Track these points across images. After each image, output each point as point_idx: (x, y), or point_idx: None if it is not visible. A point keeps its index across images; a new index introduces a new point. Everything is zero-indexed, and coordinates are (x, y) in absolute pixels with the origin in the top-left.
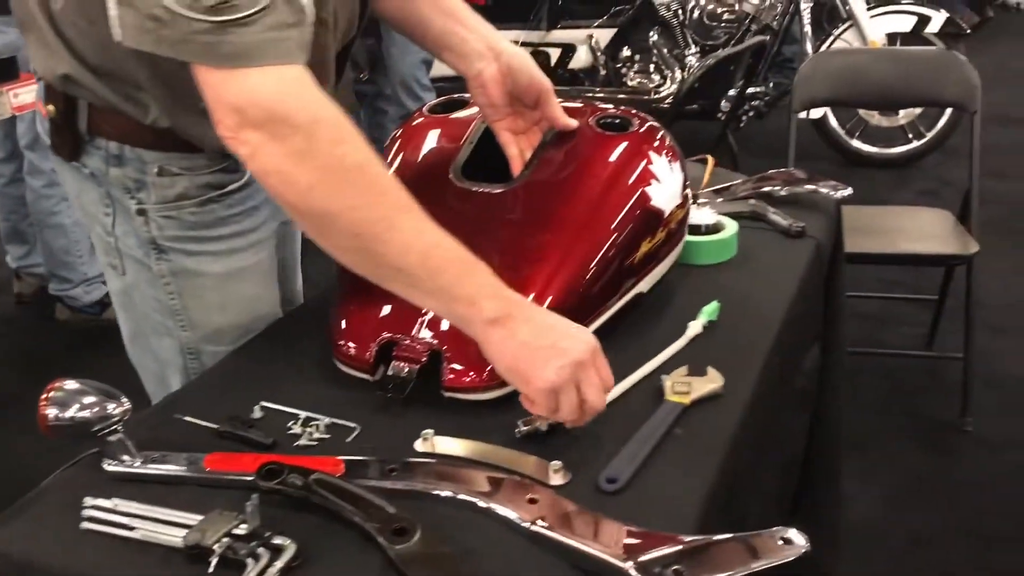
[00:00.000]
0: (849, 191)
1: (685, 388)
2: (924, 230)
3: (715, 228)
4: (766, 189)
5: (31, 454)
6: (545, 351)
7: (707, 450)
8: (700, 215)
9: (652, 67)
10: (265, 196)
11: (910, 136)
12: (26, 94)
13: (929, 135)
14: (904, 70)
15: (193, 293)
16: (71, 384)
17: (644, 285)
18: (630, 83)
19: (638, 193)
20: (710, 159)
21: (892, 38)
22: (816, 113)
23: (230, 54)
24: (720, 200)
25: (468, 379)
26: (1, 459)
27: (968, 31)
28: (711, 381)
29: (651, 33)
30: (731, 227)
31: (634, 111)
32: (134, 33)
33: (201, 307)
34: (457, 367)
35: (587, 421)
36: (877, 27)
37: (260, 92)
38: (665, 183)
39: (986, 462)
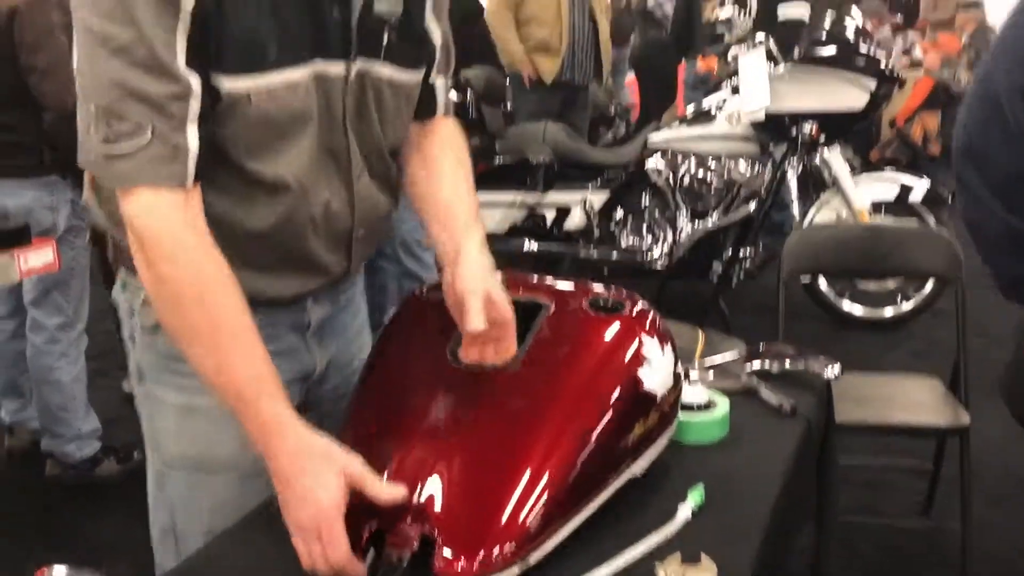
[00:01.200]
0: (838, 369)
1: None
2: (915, 399)
3: (707, 406)
4: (757, 365)
5: None
6: (297, 486)
7: None
8: (692, 393)
9: (644, 228)
10: None
11: (899, 298)
12: (35, 259)
13: (918, 297)
14: (886, 243)
15: (158, 419)
16: (60, 571)
17: (638, 467)
18: (623, 244)
19: (631, 376)
20: (701, 333)
21: (877, 206)
22: (805, 277)
23: (116, 177)
24: (711, 376)
25: (461, 566)
26: None
27: (950, 200)
28: (705, 570)
29: (643, 197)
30: (723, 405)
31: (626, 292)
32: (79, 150)
33: (162, 431)
34: (448, 554)
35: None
36: (862, 195)
37: (133, 211)
38: (657, 366)
39: None
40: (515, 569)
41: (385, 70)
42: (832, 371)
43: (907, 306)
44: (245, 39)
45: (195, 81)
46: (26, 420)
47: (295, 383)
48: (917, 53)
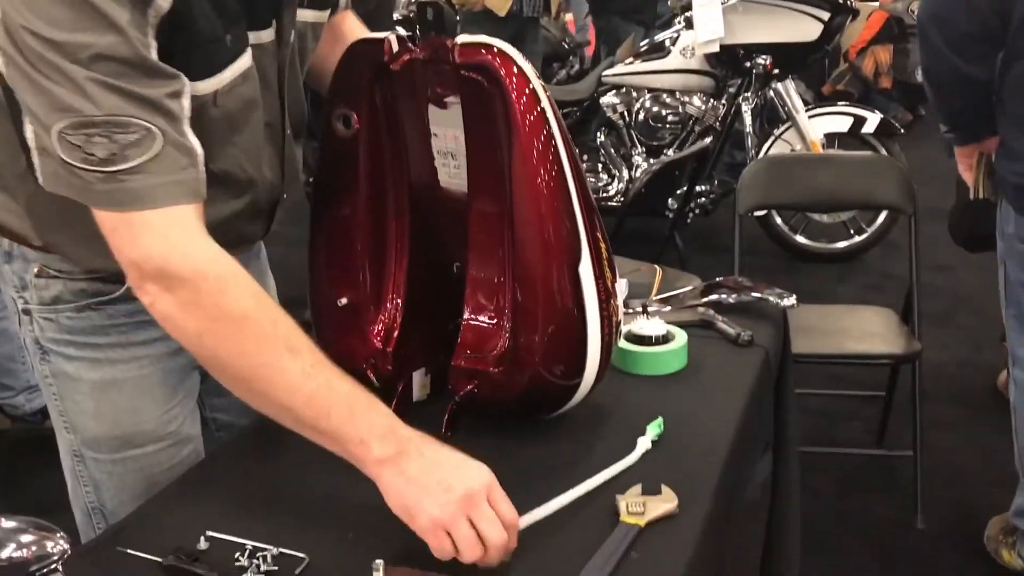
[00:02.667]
0: (794, 300)
1: (640, 509)
2: (868, 329)
3: (665, 338)
4: (714, 297)
5: None
6: (431, 487)
7: (664, 573)
8: (650, 326)
9: (599, 166)
10: None
11: (852, 231)
12: None
13: (870, 230)
14: (842, 175)
15: (71, 397)
16: (7, 522)
17: None
18: None
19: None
20: (658, 270)
21: (830, 138)
22: (760, 211)
23: (123, 200)
24: (668, 309)
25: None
26: None
27: (902, 131)
28: (666, 501)
29: (598, 134)
30: (681, 337)
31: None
32: (52, 180)
33: (77, 412)
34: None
35: (497, 559)
36: (816, 128)
37: (151, 248)
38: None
39: (940, 560)
40: None
41: (308, 15)
42: (788, 301)
43: (859, 239)
44: (208, 39)
45: (183, 78)
46: None
47: None
48: None
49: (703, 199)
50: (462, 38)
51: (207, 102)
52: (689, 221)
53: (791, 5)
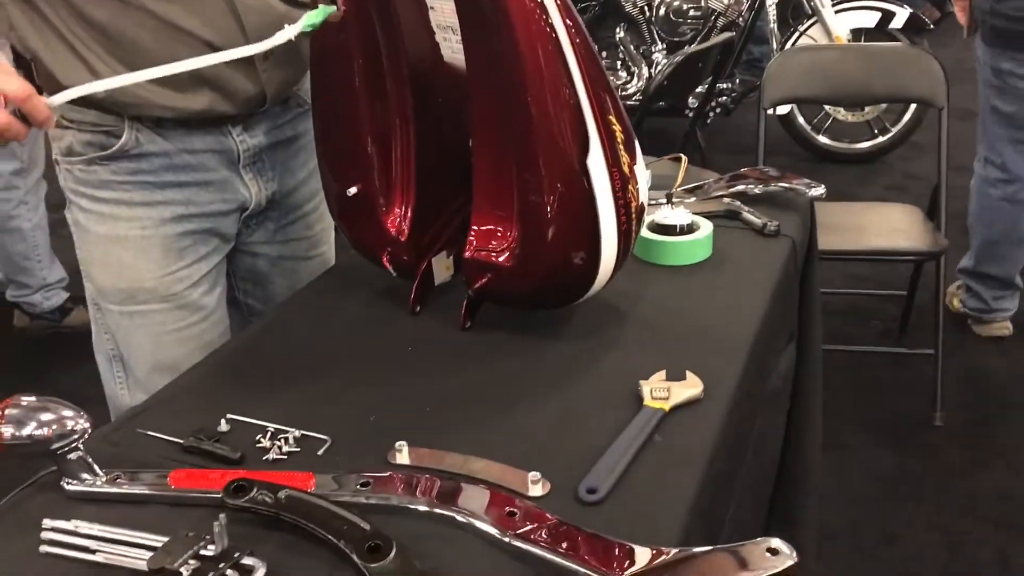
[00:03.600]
0: (823, 190)
1: (664, 394)
2: (893, 226)
3: (690, 228)
4: (740, 188)
5: None
6: None
7: (688, 458)
8: (675, 215)
9: (619, 64)
10: (176, 179)
11: (875, 131)
12: None
13: (894, 130)
14: (871, 66)
15: (85, 247)
16: (28, 400)
17: None
18: None
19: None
20: (683, 158)
21: (857, 34)
22: (783, 109)
23: None
24: (693, 199)
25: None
26: None
27: (932, 27)
28: (690, 386)
29: (617, 30)
30: (706, 227)
31: None
32: None
33: (90, 261)
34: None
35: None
36: (842, 23)
37: None
38: None
39: (956, 457)
40: None
41: None
42: (816, 190)
43: (883, 139)
44: None
45: None
46: None
47: (230, 215)
48: None
49: (724, 97)
50: None
51: None
52: (709, 121)
53: None
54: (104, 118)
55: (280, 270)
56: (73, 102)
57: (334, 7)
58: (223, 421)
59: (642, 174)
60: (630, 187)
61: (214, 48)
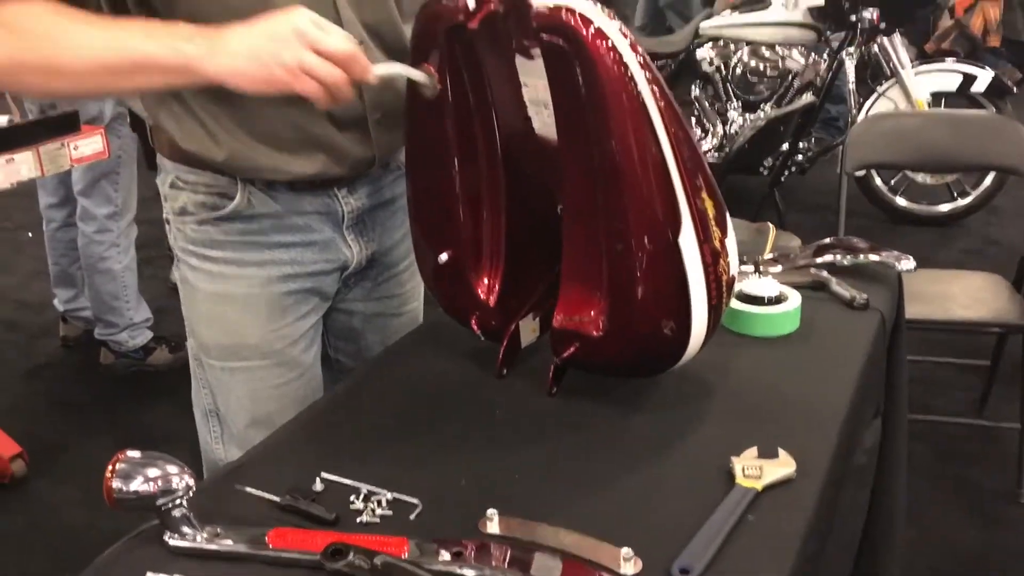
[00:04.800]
0: (913, 263)
1: (756, 472)
2: (977, 296)
3: (778, 299)
4: (827, 258)
5: (70, 504)
6: (262, 44)
7: (781, 539)
8: (763, 285)
9: (694, 121)
10: (284, 240)
11: (955, 194)
12: (85, 146)
13: (974, 194)
14: (956, 134)
15: (191, 303)
16: (135, 455)
17: None
18: None
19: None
20: (771, 228)
21: (937, 97)
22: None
23: None
24: (779, 268)
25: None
26: (42, 510)
27: (1015, 90)
28: (783, 465)
29: (692, 87)
30: (794, 299)
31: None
32: None
33: (196, 317)
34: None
35: (353, 75)
36: (922, 86)
37: None
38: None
39: None
40: None
41: None
42: (906, 264)
43: (963, 203)
44: None
45: None
46: (79, 309)
47: (331, 274)
48: None
49: (800, 156)
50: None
51: None
52: (783, 178)
53: None
54: (218, 179)
55: (372, 327)
56: (190, 163)
57: (432, 77)
58: (318, 480)
59: (732, 247)
60: (721, 261)
61: (330, 114)
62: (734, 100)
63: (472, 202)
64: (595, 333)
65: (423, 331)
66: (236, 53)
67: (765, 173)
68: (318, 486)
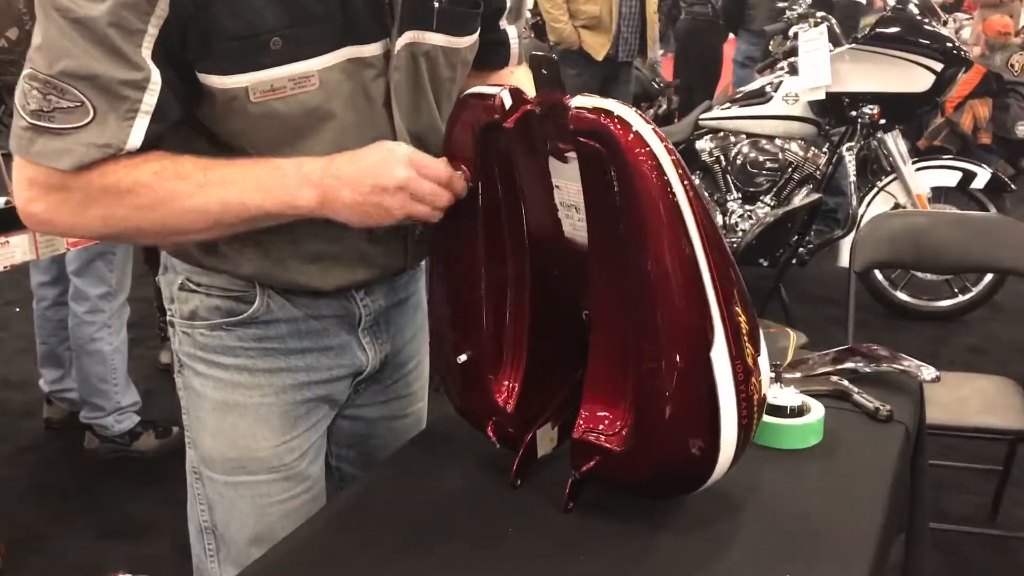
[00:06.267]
0: (936, 373)
1: None
2: (988, 400)
3: (800, 411)
4: (848, 366)
5: None
6: (371, 199)
7: None
8: (784, 396)
9: None
10: (300, 346)
11: (955, 290)
12: None
13: (975, 290)
14: (964, 235)
15: (195, 413)
16: None
17: None
18: None
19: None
20: (792, 335)
21: (936, 192)
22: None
23: (38, 153)
24: (798, 375)
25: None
26: None
27: (1013, 188)
28: None
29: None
30: (817, 410)
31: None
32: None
33: (200, 428)
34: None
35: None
36: (922, 181)
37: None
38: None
39: None
40: None
41: (437, 38)
42: (930, 374)
43: (963, 299)
44: (238, 36)
45: (157, 74)
46: (65, 391)
47: (344, 380)
48: (965, 35)
49: (801, 248)
50: (578, 101)
51: (239, 96)
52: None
53: (903, 55)
54: (234, 283)
55: (378, 431)
56: (204, 265)
57: (464, 174)
58: None
59: (765, 365)
60: (752, 379)
61: (371, 234)
62: (733, 191)
63: (496, 302)
64: (618, 448)
65: (431, 434)
66: (344, 206)
67: (765, 265)
68: None
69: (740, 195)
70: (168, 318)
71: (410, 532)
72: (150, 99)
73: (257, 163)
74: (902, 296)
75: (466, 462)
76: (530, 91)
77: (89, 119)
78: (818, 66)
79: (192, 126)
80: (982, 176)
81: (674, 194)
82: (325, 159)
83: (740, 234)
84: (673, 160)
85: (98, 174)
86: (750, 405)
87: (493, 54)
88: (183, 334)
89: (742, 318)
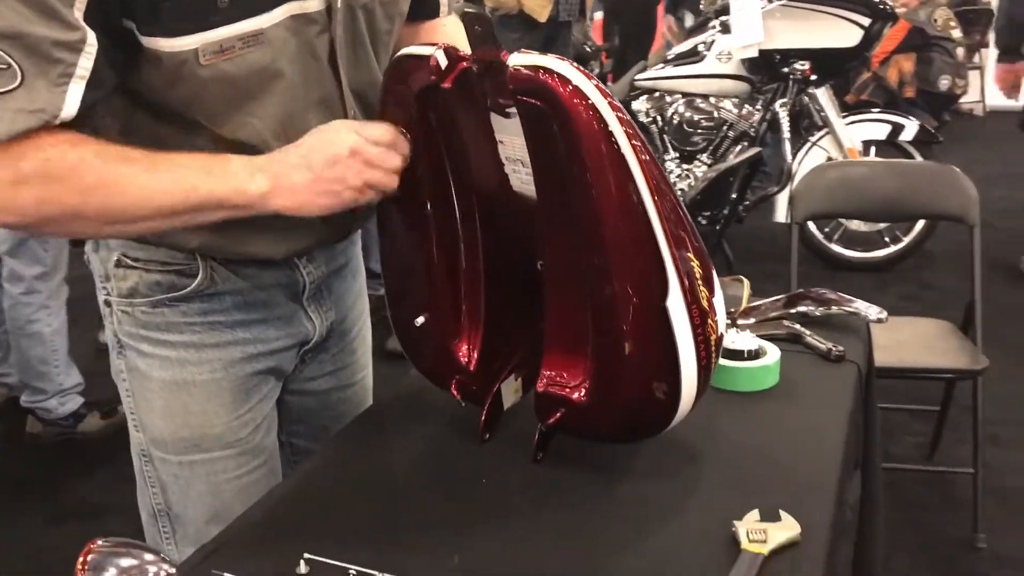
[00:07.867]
0: (884, 314)
1: (761, 536)
2: (928, 343)
3: (757, 353)
4: (800, 310)
5: None
6: (324, 174)
7: None
8: (741, 340)
9: None
10: (246, 318)
11: (887, 240)
12: None
13: (907, 239)
14: (903, 184)
15: (142, 395)
16: (108, 545)
17: None
18: None
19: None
20: (744, 281)
21: (866, 145)
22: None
23: None
24: (752, 321)
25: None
26: None
27: (941, 140)
28: (787, 528)
29: None
30: (773, 353)
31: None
32: None
33: (147, 410)
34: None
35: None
36: (853, 135)
37: None
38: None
39: None
40: None
41: None
42: (878, 314)
43: (896, 248)
44: None
45: (92, 36)
46: (3, 375)
47: (291, 350)
48: None
49: (739, 206)
50: (515, 59)
51: (188, 60)
52: (720, 227)
53: (831, 10)
54: (175, 256)
55: (328, 401)
56: (140, 240)
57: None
58: (302, 562)
59: (720, 306)
60: (709, 321)
61: None
62: (671, 151)
63: (449, 263)
64: (581, 399)
65: (389, 401)
66: (300, 188)
67: (704, 223)
68: (302, 568)
69: (677, 155)
70: (104, 298)
71: (384, 491)
72: (86, 63)
73: (206, 155)
74: (836, 248)
75: (434, 420)
76: (462, 43)
77: (17, 83)
78: (750, 24)
79: (132, 98)
80: (910, 128)
81: (618, 145)
82: (272, 153)
83: (680, 192)
84: (617, 114)
85: (33, 147)
86: (708, 345)
87: (423, 4)
88: (122, 313)
89: (695, 262)
